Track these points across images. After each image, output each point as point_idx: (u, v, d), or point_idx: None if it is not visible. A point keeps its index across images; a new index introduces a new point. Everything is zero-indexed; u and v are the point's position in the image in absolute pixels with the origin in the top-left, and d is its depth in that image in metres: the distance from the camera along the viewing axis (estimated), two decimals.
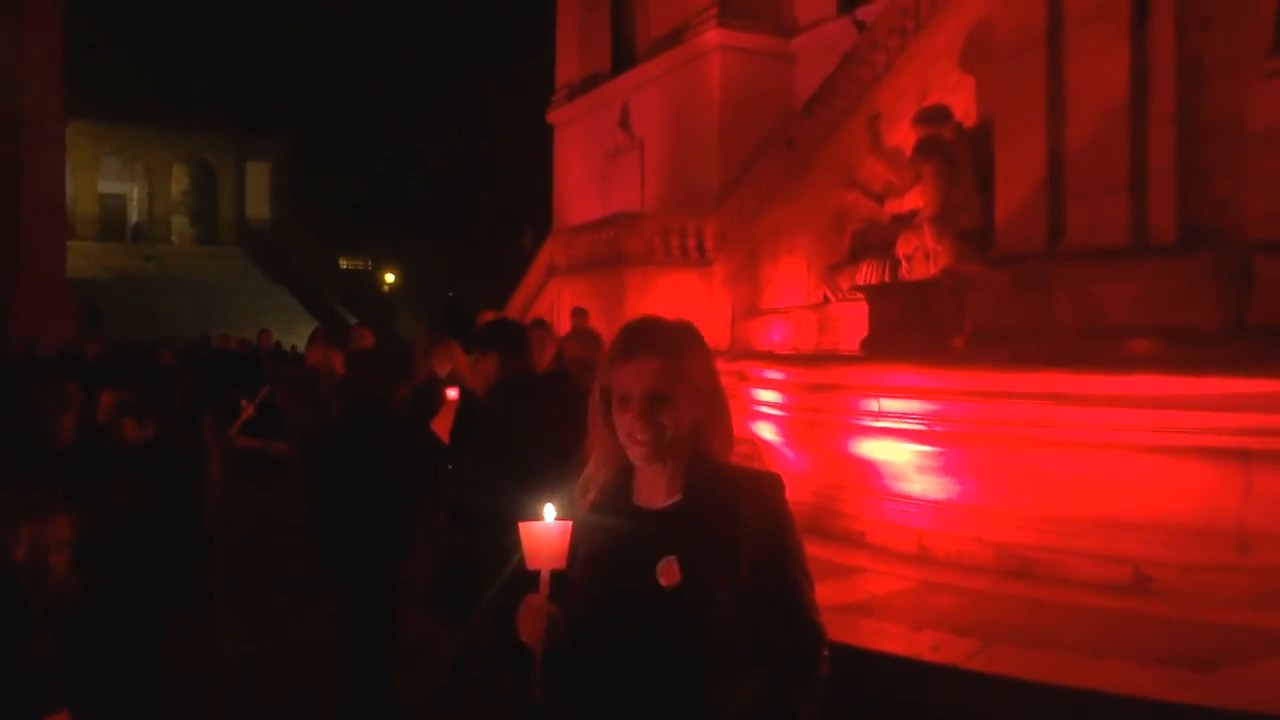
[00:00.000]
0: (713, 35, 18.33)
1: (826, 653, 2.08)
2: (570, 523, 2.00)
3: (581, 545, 2.05)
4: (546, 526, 1.96)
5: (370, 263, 53.94)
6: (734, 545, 1.99)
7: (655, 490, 2.07)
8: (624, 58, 21.56)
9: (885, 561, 6.27)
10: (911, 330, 9.19)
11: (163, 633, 4.38)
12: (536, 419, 4.30)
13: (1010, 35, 8.99)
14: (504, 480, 3.91)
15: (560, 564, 1.96)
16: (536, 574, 1.95)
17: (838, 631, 4.94)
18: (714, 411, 2.07)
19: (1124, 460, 5.54)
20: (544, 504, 1.98)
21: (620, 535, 2.04)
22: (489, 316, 19.45)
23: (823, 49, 16.76)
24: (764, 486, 2.09)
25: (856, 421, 6.65)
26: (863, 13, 16.33)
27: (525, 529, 1.96)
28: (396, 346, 5.78)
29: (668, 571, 1.96)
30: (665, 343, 2.03)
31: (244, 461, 6.37)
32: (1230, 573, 5.28)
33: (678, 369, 2.01)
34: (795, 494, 6.97)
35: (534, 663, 1.92)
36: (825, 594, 5.80)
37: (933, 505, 6.35)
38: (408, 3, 59.78)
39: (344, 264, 54.64)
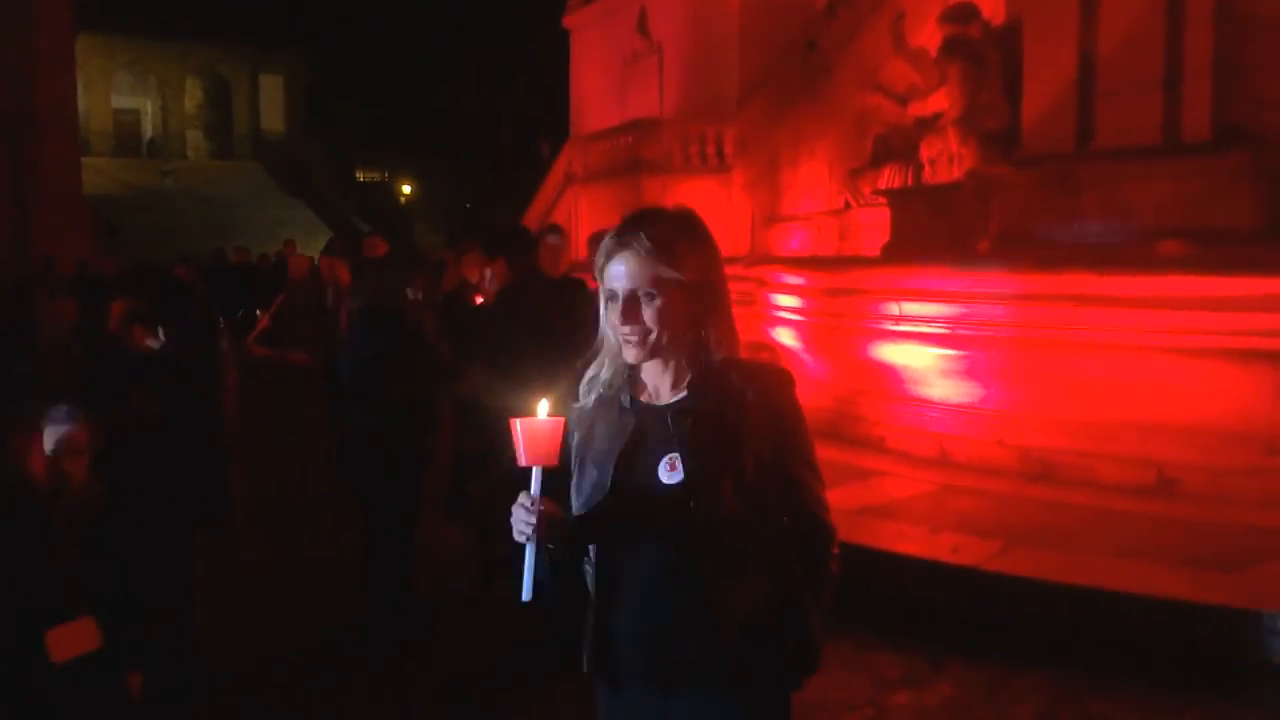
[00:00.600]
0: None
1: (837, 551, 2.04)
2: (563, 419, 1.93)
3: (585, 440, 2.02)
4: (537, 422, 1.90)
5: (387, 175, 53.57)
6: (739, 442, 1.93)
7: (660, 386, 2.02)
8: None
9: (905, 465, 6.25)
10: (935, 235, 9.01)
11: (187, 540, 4.38)
12: (539, 322, 4.23)
13: None
14: (506, 381, 3.86)
15: (553, 461, 1.90)
16: (530, 471, 1.89)
17: (856, 533, 4.97)
18: (713, 306, 1.99)
19: (1151, 362, 5.46)
20: (537, 400, 1.92)
21: (624, 431, 1.98)
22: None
23: None
24: (771, 381, 2.02)
25: (877, 326, 6.57)
26: None
27: (516, 425, 1.89)
28: (407, 255, 5.71)
29: (670, 468, 1.91)
30: (653, 236, 1.93)
31: (262, 369, 6.35)
32: (1258, 475, 5.22)
33: (665, 264, 1.91)
34: (815, 400, 6.93)
35: (526, 561, 1.87)
36: (844, 497, 5.80)
37: (954, 409, 6.29)
38: None
39: (360, 176, 54.26)
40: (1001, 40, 10.46)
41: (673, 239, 1.94)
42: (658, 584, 1.93)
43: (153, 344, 4.26)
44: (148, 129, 52.54)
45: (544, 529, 1.86)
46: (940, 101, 11.59)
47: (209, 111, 53.53)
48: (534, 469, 1.88)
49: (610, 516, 1.95)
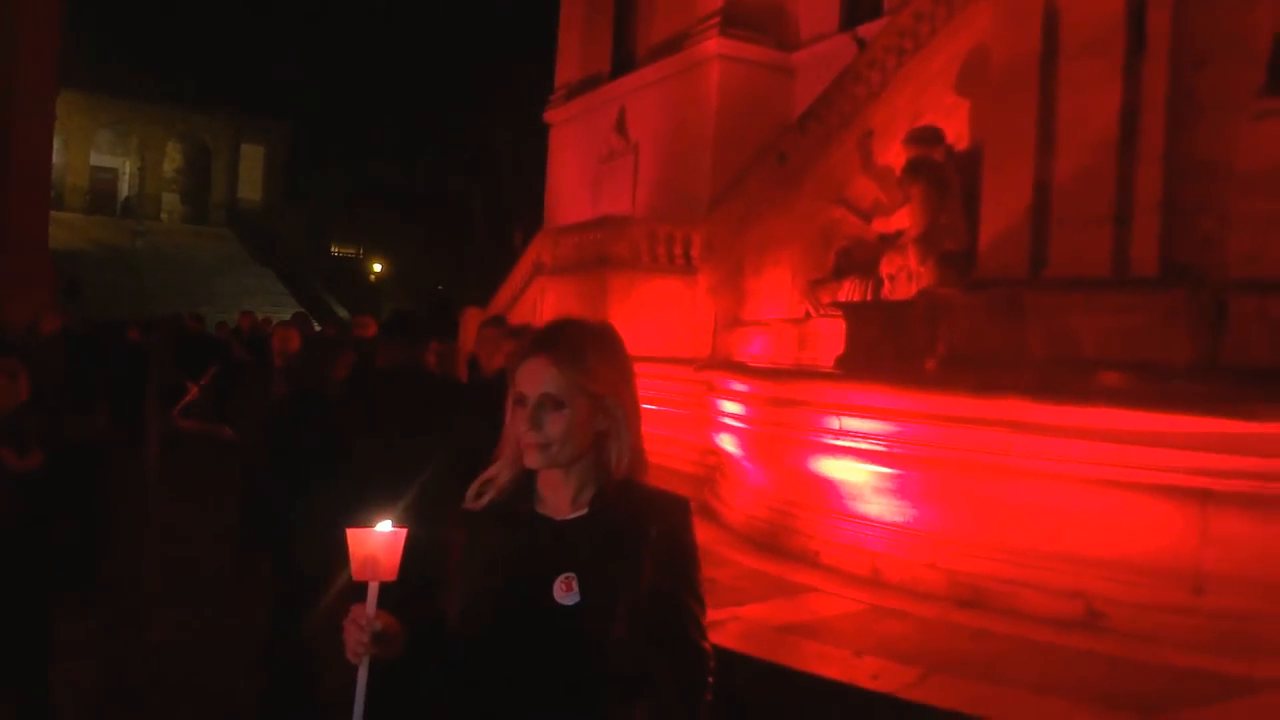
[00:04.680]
0: (713, 44, 18.23)
1: (713, 680, 2.00)
2: (404, 531, 1.85)
3: (472, 548, 1.96)
4: (375, 534, 1.81)
5: (361, 251, 53.76)
6: (637, 568, 1.90)
7: (559, 500, 1.97)
8: (624, 61, 21.46)
9: (837, 583, 6.15)
10: (886, 351, 9.08)
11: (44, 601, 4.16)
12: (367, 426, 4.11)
13: (1005, 62, 8.93)
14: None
15: (391, 577, 1.82)
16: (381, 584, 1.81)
17: (777, 652, 4.87)
18: (619, 423, 1.96)
19: (1083, 493, 5.44)
20: (380, 513, 1.85)
21: (518, 544, 1.93)
22: (473, 313, 19.31)
23: (823, 64, 16.67)
24: (673, 510, 2.01)
25: (817, 438, 6.53)
26: (865, 30, 16.26)
27: (354, 536, 1.81)
28: (329, 334, 5.59)
29: (565, 588, 1.87)
30: (568, 347, 1.93)
31: (187, 445, 6.19)
32: (1184, 614, 5.17)
33: (575, 376, 1.91)
34: (753, 509, 6.85)
35: (358, 680, 1.77)
36: (770, 612, 5.69)
37: (888, 528, 6.23)
38: None
39: (336, 251, 54.41)
40: (965, 164, 10.71)
41: (587, 350, 1.94)
42: (540, 707, 1.85)
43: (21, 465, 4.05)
44: (124, 189, 52.58)
45: (381, 646, 1.77)
46: (903, 219, 11.80)
47: (187, 176, 53.72)
48: (369, 584, 1.79)
49: (498, 632, 1.88)
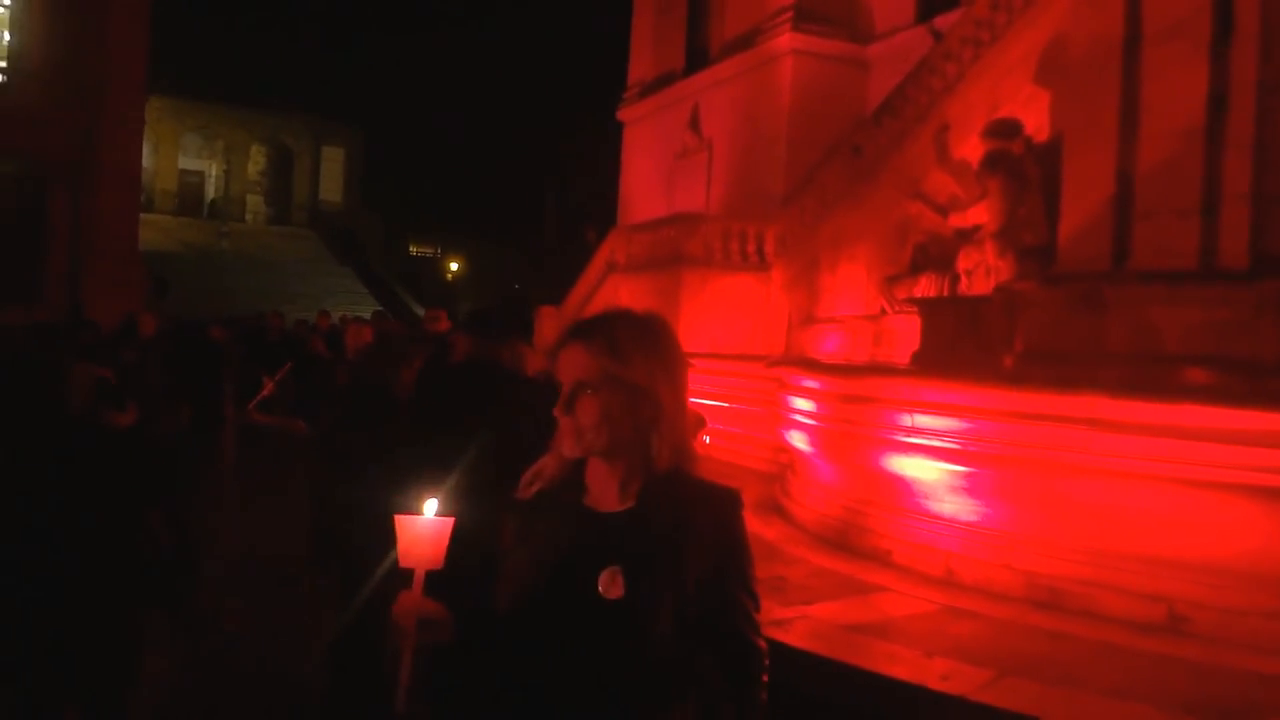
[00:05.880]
0: (786, 39, 18.08)
1: (767, 678, 1.96)
2: (450, 520, 1.85)
3: (521, 536, 1.94)
4: (424, 522, 1.81)
5: (439, 250, 54.49)
6: (684, 563, 1.87)
7: (606, 492, 1.95)
8: (697, 58, 21.39)
9: (909, 582, 6.04)
10: (963, 347, 8.89)
11: (138, 629, 4.13)
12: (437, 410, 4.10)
13: (1085, 49, 8.69)
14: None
15: (437, 564, 1.81)
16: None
17: (845, 651, 4.80)
18: (661, 414, 1.92)
19: (1166, 494, 5.26)
20: (425, 498, 1.85)
21: (564, 536, 1.91)
22: (547, 311, 19.39)
23: (898, 57, 16.42)
24: (722, 503, 1.97)
25: (890, 436, 6.42)
26: (940, 21, 15.96)
27: (401, 523, 1.81)
28: (401, 332, 5.62)
29: (610, 582, 1.84)
30: (604, 336, 1.92)
31: (263, 439, 6.30)
32: (1273, 619, 4.97)
33: (609, 364, 1.89)
34: (824, 507, 6.75)
35: (401, 666, 1.77)
36: (840, 612, 5.60)
37: (963, 528, 6.10)
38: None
39: (414, 250, 55.25)
40: (1043, 156, 10.45)
41: (625, 340, 1.92)
42: (582, 700, 1.83)
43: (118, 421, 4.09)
44: (210, 191, 53.93)
45: (422, 633, 1.77)
46: (980, 214, 11.57)
47: (270, 178, 54.90)
48: (415, 571, 1.78)
49: (540, 624, 1.86)
